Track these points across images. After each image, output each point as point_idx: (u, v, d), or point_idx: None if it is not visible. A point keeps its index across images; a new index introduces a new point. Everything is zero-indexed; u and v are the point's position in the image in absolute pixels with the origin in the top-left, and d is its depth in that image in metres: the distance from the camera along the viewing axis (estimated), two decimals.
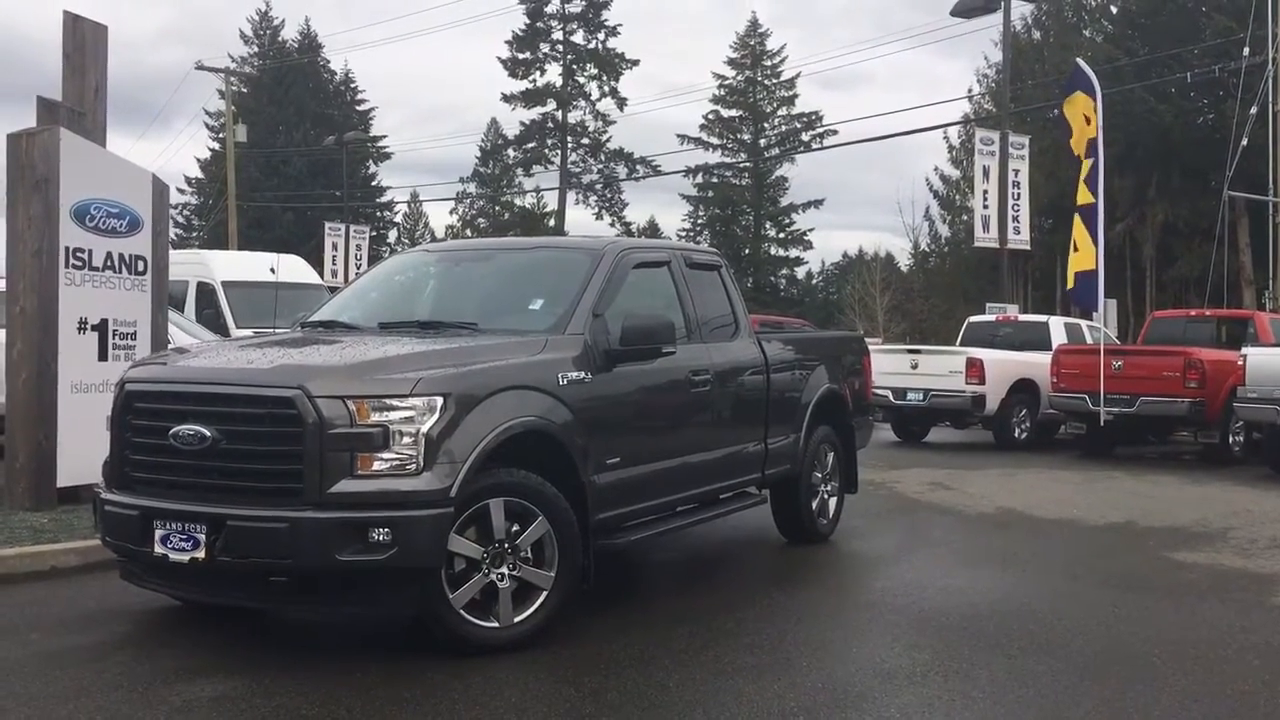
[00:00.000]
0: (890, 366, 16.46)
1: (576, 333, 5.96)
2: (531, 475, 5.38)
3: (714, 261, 7.67)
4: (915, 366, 16.33)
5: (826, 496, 8.40)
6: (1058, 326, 17.72)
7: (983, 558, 8.02)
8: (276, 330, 7.98)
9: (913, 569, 7.56)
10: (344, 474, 4.89)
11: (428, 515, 4.92)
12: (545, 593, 5.39)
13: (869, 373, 9.36)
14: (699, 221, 60.75)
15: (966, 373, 15.73)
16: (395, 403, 4.98)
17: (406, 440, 4.96)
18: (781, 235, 60.51)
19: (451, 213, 62.48)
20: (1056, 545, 8.60)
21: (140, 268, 8.94)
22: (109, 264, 8.69)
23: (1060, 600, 6.68)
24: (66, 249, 8.38)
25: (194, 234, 56.80)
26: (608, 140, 57.91)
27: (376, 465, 4.93)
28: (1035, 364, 16.10)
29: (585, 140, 57.79)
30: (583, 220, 58.11)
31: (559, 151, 57.55)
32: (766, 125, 60.21)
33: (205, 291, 16.48)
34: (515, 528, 5.32)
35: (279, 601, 5.34)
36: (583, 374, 5.82)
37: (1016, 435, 16.19)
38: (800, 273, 63.82)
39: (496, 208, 61.13)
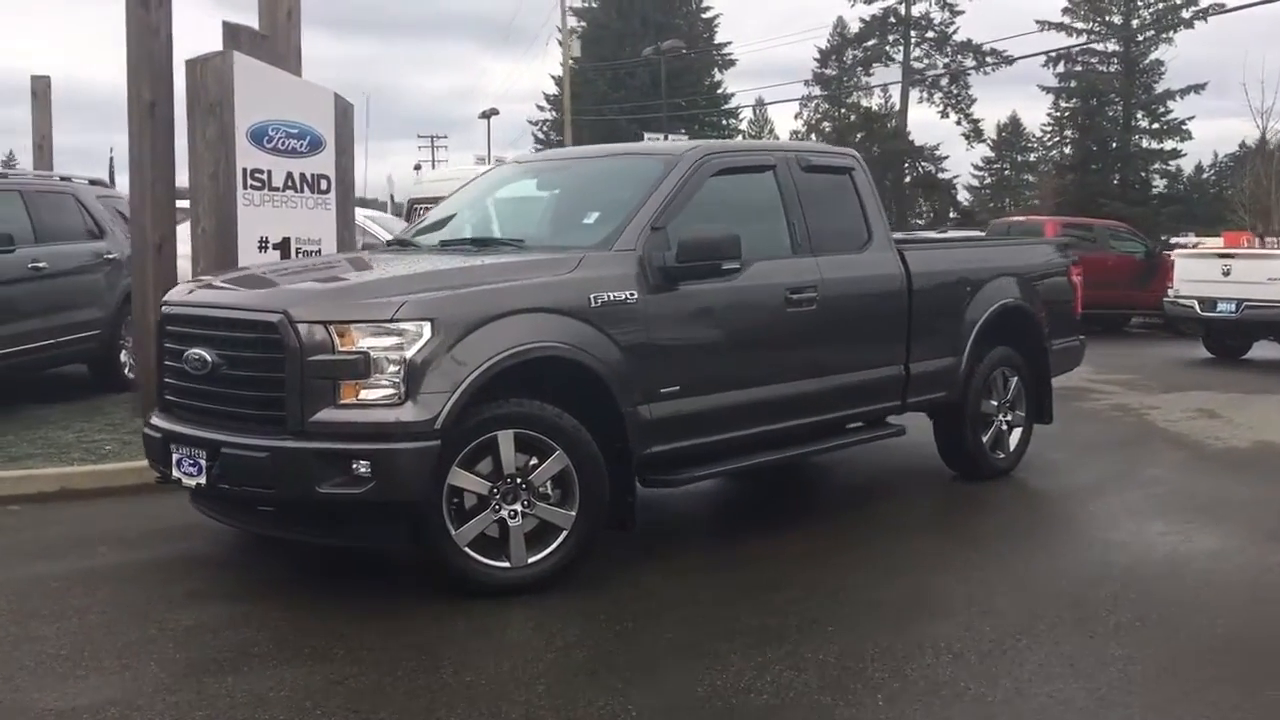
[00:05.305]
0: (1198, 274, 14.53)
1: (626, 249, 5.40)
2: (547, 406, 4.95)
3: (843, 164, 6.74)
4: (1227, 273, 14.22)
5: (1005, 428, 7.39)
6: None
7: (1180, 505, 6.76)
8: None
9: (1081, 516, 6.52)
10: (326, 403, 4.67)
11: (409, 448, 4.62)
12: (565, 532, 4.99)
13: (1077, 285, 8.09)
14: (1062, 115, 56.29)
15: None
16: (379, 328, 4.70)
17: (391, 368, 4.67)
18: (1155, 126, 54.85)
19: (796, 117, 61.46)
20: None
21: (324, 186, 9.13)
22: (290, 184, 8.91)
23: (1226, 567, 5.48)
24: (244, 170, 8.66)
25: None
26: (955, 32, 54.59)
27: (361, 394, 4.68)
28: None
29: (930, 34, 54.73)
30: (927, 119, 55.34)
31: (901, 48, 54.88)
32: (1140, 2, 54.54)
33: None
34: (533, 461, 4.95)
35: (276, 530, 5.22)
36: (626, 294, 5.27)
37: None
38: (1178, 166, 57.85)
39: (842, 110, 59.48)
